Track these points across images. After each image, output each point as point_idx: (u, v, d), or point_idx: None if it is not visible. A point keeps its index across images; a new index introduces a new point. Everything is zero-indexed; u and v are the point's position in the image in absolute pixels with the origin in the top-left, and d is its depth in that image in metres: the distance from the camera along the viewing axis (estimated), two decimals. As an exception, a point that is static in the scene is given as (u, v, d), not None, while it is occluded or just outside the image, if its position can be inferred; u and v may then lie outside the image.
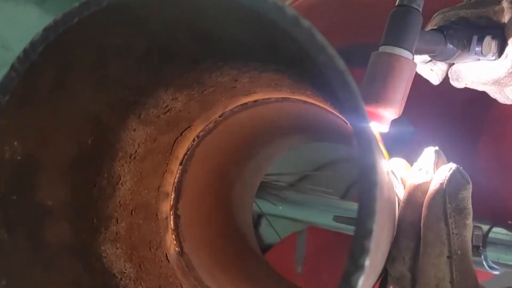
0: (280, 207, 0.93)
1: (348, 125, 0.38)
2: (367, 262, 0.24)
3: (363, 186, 0.25)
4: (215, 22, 0.33)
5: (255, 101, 0.52)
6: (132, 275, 0.42)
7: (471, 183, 0.38)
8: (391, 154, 0.47)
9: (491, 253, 0.69)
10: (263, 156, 0.68)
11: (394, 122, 0.50)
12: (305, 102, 0.50)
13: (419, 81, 0.59)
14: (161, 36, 0.35)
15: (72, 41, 0.32)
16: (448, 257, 0.37)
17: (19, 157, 0.34)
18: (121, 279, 0.41)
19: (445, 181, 0.38)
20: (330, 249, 0.97)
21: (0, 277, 0.31)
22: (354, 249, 0.24)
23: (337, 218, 0.83)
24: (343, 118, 0.46)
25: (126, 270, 0.42)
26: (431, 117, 0.86)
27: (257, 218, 1.10)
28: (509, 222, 0.74)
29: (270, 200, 0.92)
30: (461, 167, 0.39)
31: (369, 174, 0.25)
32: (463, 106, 0.79)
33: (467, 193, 0.38)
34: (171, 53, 0.38)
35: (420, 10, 0.47)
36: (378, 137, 0.49)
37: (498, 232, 0.70)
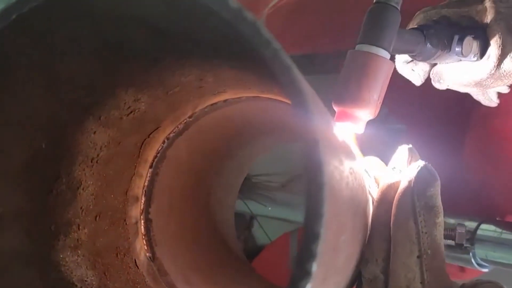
0: (270, 208, 0.93)
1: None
2: (314, 267, 0.23)
3: (309, 187, 0.23)
4: (165, 17, 0.31)
5: (225, 101, 0.50)
6: (94, 283, 0.41)
7: (439, 180, 0.37)
8: (380, 155, 0.46)
9: (480, 250, 0.69)
10: (242, 156, 0.67)
11: (384, 122, 0.49)
12: (274, 100, 0.49)
13: (406, 80, 0.57)
14: (111, 32, 0.34)
15: (13, 39, 0.31)
16: (418, 256, 0.36)
17: (-38, 163, 0.32)
18: (81, 287, 0.39)
19: (413, 179, 0.37)
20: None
21: None
22: (301, 253, 0.23)
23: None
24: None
25: (87, 278, 0.40)
26: (419, 116, 0.86)
27: (249, 220, 1.10)
28: (497, 219, 0.73)
29: (260, 201, 0.91)
30: (430, 164, 0.38)
31: (315, 175, 0.23)
32: (451, 104, 0.79)
33: (436, 191, 0.37)
34: (126, 50, 0.36)
35: (399, 8, 0.46)
36: (353, 138, 0.48)
37: (486, 229, 0.69)
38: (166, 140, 0.51)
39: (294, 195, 0.94)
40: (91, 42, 0.34)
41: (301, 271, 0.23)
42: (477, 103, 0.61)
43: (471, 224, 0.69)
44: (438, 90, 0.57)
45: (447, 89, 0.58)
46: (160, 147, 0.51)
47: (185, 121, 0.51)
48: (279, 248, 1.06)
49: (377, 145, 0.49)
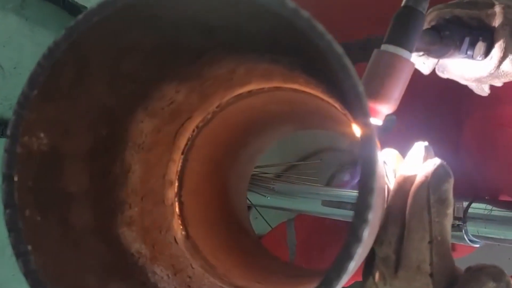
0: (269, 198, 0.96)
1: (341, 106, 0.42)
2: (370, 216, 0.28)
3: (364, 149, 0.29)
4: (220, 17, 0.36)
5: (249, 92, 0.55)
6: (147, 255, 0.46)
7: (453, 177, 0.41)
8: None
9: (471, 227, 0.73)
10: (254, 145, 0.72)
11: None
12: (295, 90, 0.54)
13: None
14: (169, 32, 0.39)
15: (90, 39, 0.35)
16: (429, 242, 0.40)
17: (45, 148, 0.37)
18: (139, 258, 0.44)
19: (430, 174, 0.41)
20: (319, 235, 1.00)
21: (39, 256, 0.34)
22: (359, 206, 0.28)
23: (325, 203, 0.87)
24: (332, 103, 0.50)
25: (142, 250, 0.45)
26: (412, 100, 0.90)
27: (246, 210, 1.14)
28: (486, 197, 0.78)
29: (258, 191, 0.95)
30: (445, 163, 0.42)
31: (369, 138, 0.28)
32: (447, 88, 0.83)
33: (449, 186, 0.41)
34: (178, 48, 0.41)
35: (425, 12, 0.49)
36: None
37: (477, 207, 0.74)
38: (195, 129, 0.56)
39: (291, 184, 0.98)
40: (149, 42, 0.39)
41: (360, 220, 0.28)
42: (471, 91, 0.66)
43: (463, 203, 0.74)
44: (432, 76, 0.62)
45: (439, 79, 0.63)
46: (190, 135, 0.56)
47: (212, 111, 0.56)
48: (276, 238, 1.10)
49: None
